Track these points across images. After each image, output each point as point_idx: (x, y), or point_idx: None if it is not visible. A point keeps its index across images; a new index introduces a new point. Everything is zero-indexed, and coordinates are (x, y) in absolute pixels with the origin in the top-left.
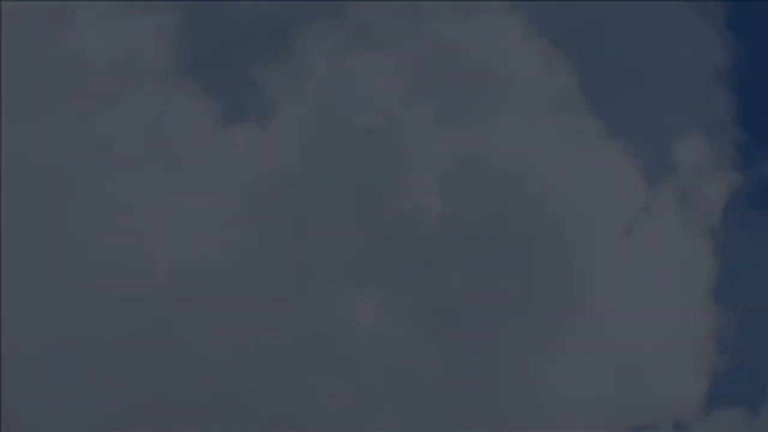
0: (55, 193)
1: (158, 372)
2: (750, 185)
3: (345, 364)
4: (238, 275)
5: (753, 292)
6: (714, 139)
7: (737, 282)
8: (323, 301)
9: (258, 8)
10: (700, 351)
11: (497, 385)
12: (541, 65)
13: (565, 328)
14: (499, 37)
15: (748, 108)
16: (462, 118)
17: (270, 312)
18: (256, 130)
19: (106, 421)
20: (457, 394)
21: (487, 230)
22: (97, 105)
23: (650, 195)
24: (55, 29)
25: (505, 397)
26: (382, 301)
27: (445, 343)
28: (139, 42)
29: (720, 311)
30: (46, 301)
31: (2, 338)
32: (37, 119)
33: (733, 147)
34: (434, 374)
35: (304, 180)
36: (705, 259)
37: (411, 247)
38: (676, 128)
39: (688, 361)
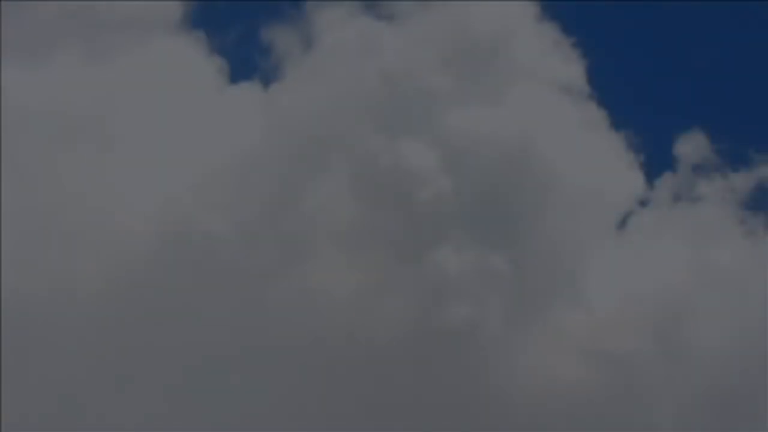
0: (56, 139)
1: (153, 316)
2: (750, 186)
3: None
4: (232, 230)
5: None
6: (717, 137)
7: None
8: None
9: None
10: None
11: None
12: (550, 50)
13: (552, 314)
14: (510, 18)
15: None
16: (466, 96)
17: (269, 265)
18: (260, 90)
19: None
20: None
21: (481, 207)
22: (105, 55)
23: (648, 190)
24: None
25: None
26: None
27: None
28: None
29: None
30: (45, 247)
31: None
32: (44, 66)
33: (736, 146)
34: None
35: (302, 145)
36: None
37: (408, 218)
38: (680, 124)
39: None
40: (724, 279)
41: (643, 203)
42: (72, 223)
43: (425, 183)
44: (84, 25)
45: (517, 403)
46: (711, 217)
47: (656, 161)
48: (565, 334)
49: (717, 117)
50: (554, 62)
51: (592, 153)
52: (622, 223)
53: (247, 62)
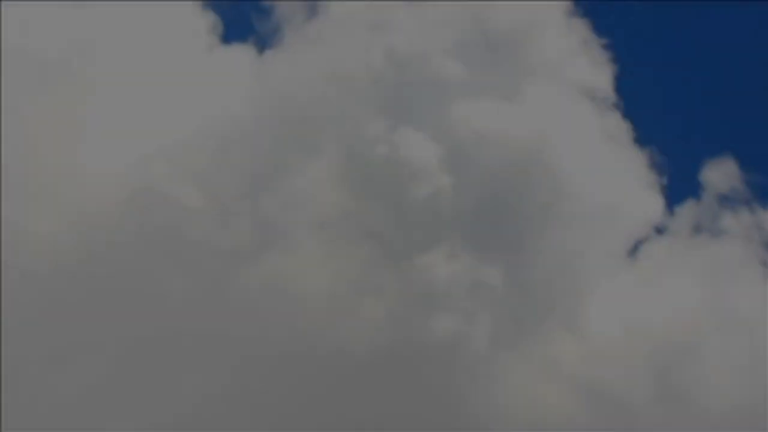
0: (32, 80)
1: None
2: None
3: None
4: (205, 202)
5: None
6: (748, 167)
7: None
8: None
9: None
10: None
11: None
12: (577, 49)
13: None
14: (537, 10)
15: None
16: (478, 88)
17: (241, 246)
18: (254, 55)
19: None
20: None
21: (481, 212)
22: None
23: (666, 217)
24: None
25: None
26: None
27: None
28: None
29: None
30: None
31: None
32: (29, 5)
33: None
34: None
35: (292, 121)
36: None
37: (400, 215)
38: (710, 148)
39: None
40: (735, 323)
41: (659, 230)
42: (38, 174)
43: (423, 178)
44: None
45: (496, 429)
46: (731, 255)
47: (679, 186)
48: (556, 361)
49: (751, 146)
50: (580, 63)
51: (610, 168)
52: (634, 249)
53: (243, 22)
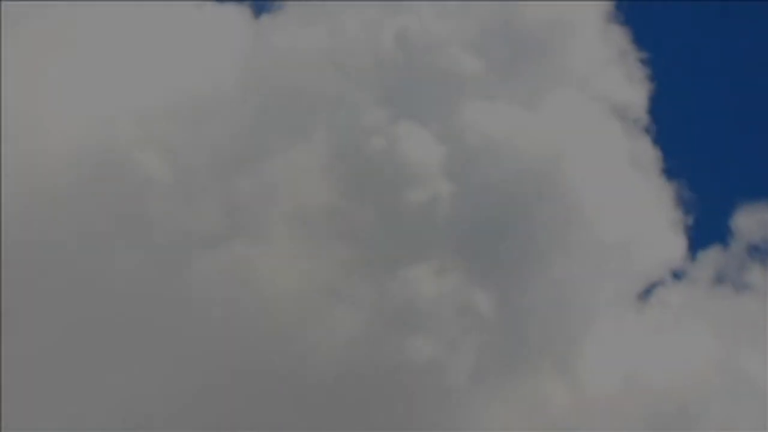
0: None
1: None
2: None
3: None
4: (173, 177)
5: None
6: None
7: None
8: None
9: None
10: None
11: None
12: (612, 60)
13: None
14: (572, 12)
15: None
16: (495, 90)
17: (207, 231)
18: (249, 19)
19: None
20: None
21: (480, 227)
22: None
23: (687, 261)
24: None
25: None
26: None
27: None
28: None
29: None
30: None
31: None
32: None
33: None
34: None
35: (281, 97)
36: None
37: (389, 220)
38: (745, 191)
39: None
40: (747, 388)
41: (677, 275)
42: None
43: (420, 181)
44: None
45: None
46: (754, 313)
47: (706, 228)
48: (542, 407)
49: None
50: (613, 76)
51: (631, 198)
52: (646, 292)
53: None
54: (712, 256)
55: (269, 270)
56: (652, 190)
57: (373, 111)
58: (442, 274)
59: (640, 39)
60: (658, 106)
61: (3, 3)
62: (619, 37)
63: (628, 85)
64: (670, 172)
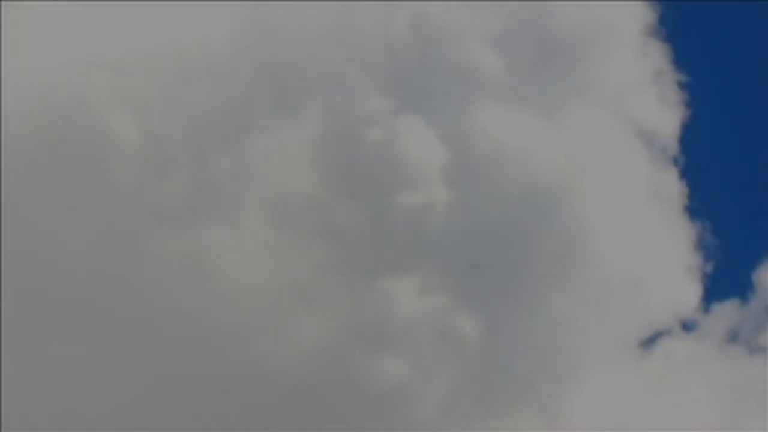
0: None
1: None
2: None
3: None
4: (143, 143)
5: None
6: None
7: None
8: None
9: None
10: None
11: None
12: (645, 77)
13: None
14: (610, 19)
15: None
16: (512, 95)
17: (173, 209)
18: None
19: None
20: None
21: (475, 244)
22: None
23: (699, 312)
24: None
25: None
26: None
27: None
28: None
29: None
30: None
31: None
32: None
33: None
34: None
35: (273, 72)
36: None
37: (376, 223)
38: None
39: None
40: None
41: (686, 326)
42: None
43: (416, 184)
44: None
45: None
46: (764, 380)
47: (725, 279)
48: None
49: None
50: (645, 97)
51: (648, 234)
52: (650, 341)
53: None
54: (727, 310)
55: (235, 260)
56: (671, 229)
57: (375, 99)
58: (425, 290)
59: (680, 59)
60: (690, 136)
61: None
62: (657, 54)
63: (660, 109)
64: (694, 211)
